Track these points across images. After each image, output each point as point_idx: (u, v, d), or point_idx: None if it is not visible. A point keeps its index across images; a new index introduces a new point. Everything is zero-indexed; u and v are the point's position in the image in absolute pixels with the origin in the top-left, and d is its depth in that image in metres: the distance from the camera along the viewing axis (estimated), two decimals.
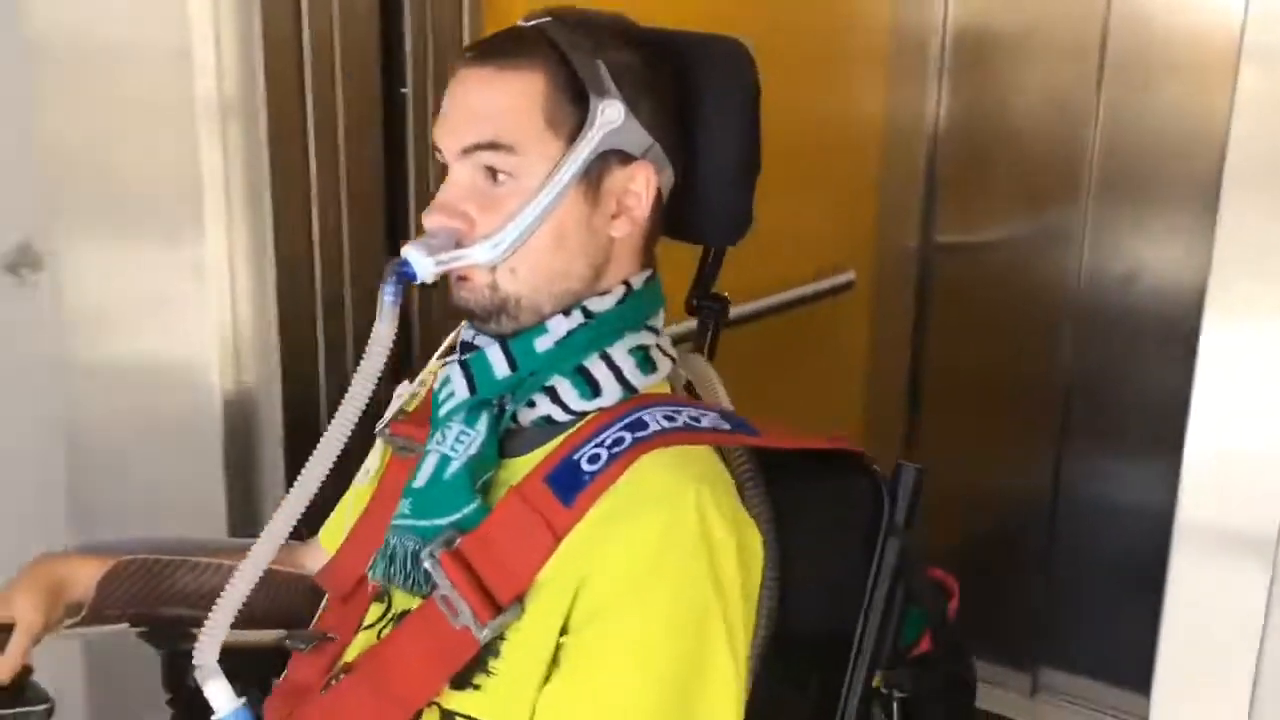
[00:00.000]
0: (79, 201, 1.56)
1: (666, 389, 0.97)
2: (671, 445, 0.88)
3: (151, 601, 1.04)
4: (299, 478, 0.89)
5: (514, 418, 0.93)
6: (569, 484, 0.86)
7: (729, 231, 1.06)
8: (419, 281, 0.92)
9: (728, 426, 0.92)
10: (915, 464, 0.97)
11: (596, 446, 0.88)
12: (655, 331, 0.97)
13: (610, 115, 0.91)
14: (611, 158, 0.92)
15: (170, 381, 1.54)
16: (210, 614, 0.89)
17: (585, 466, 0.87)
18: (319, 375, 1.53)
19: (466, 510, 0.89)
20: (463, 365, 0.94)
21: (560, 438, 0.91)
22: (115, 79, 1.52)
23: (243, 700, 0.90)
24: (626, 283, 0.95)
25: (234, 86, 1.45)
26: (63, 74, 1.54)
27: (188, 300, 1.49)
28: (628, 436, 0.88)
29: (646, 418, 0.89)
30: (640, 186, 0.93)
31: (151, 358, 1.57)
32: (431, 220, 0.92)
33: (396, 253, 0.92)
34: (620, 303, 0.94)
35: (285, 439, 1.48)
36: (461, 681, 0.86)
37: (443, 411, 0.94)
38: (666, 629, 0.84)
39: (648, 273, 0.97)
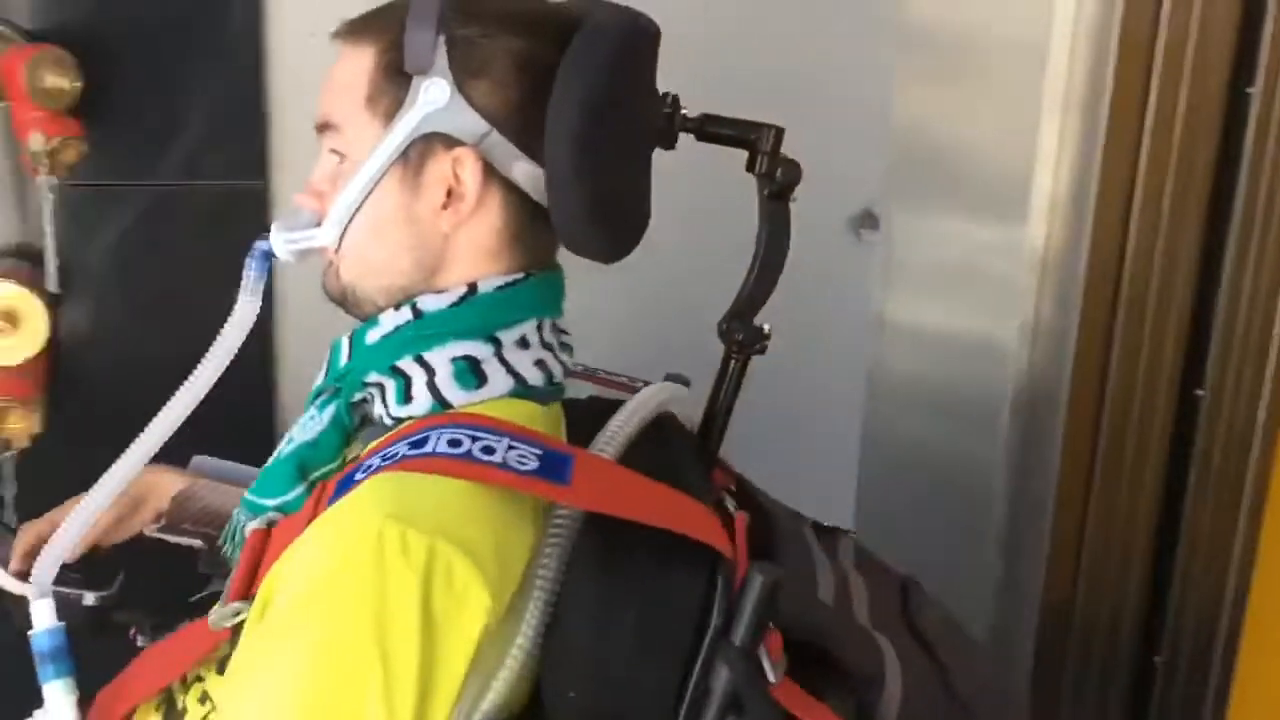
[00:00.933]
0: (919, 173, 1.73)
1: (518, 409, 0.84)
2: (412, 471, 0.76)
3: (218, 524, 1.01)
4: (148, 428, 0.90)
5: (369, 412, 0.87)
6: (342, 490, 0.78)
7: (575, 240, 0.87)
8: (276, 258, 0.89)
9: (528, 467, 0.76)
10: (772, 567, 0.76)
11: (377, 456, 0.79)
12: (498, 343, 0.85)
13: (433, 95, 0.82)
14: (436, 142, 0.83)
15: (968, 351, 1.66)
16: (57, 532, 0.92)
17: (357, 476, 0.78)
18: (1109, 374, 1.55)
19: (288, 496, 0.86)
20: (334, 348, 0.89)
21: (382, 439, 0.83)
22: (973, 66, 1.64)
23: (61, 624, 0.90)
24: (471, 284, 0.85)
25: (1081, 81, 1.50)
26: (926, 59, 1.70)
27: (1000, 277, 1.59)
28: (399, 452, 0.78)
29: (433, 436, 0.77)
30: (468, 175, 0.83)
31: (956, 326, 1.71)
32: (295, 198, 0.90)
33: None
34: (455, 304, 0.85)
35: (1065, 429, 1.53)
36: (222, 666, 0.84)
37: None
38: (300, 679, 0.72)
39: (510, 278, 0.86)
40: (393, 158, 0.83)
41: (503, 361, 0.85)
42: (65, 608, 0.93)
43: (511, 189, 0.84)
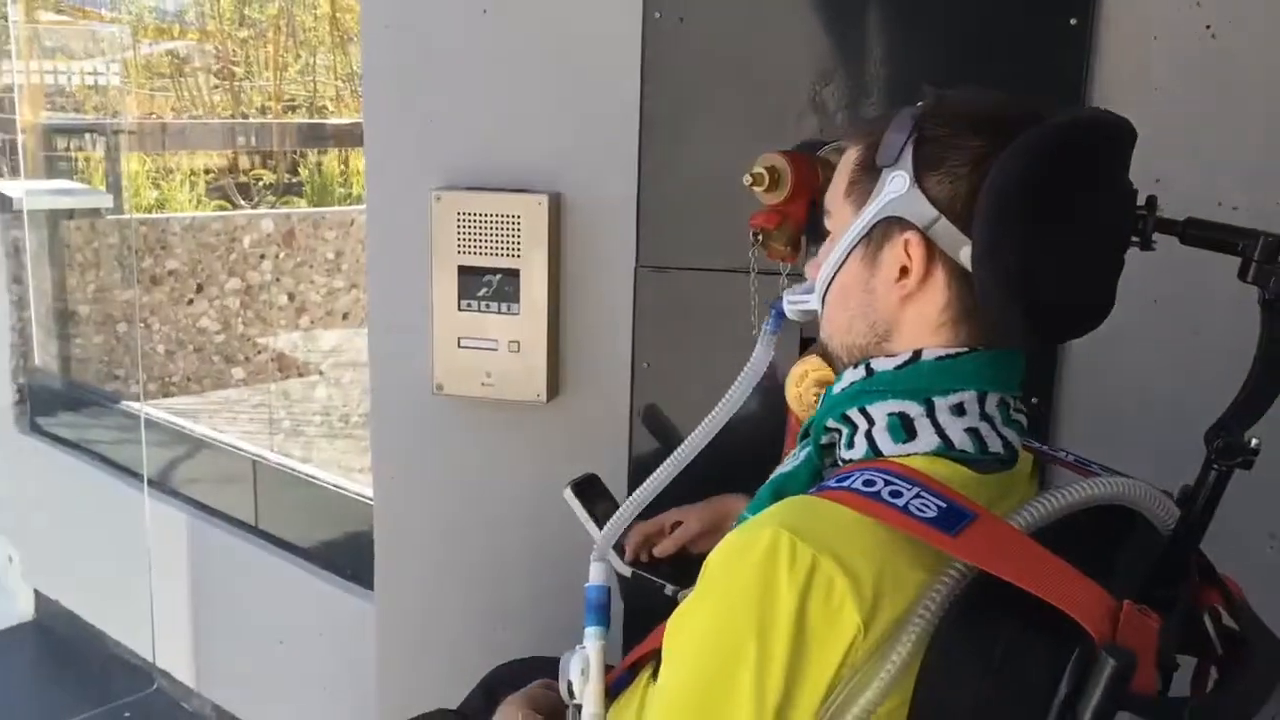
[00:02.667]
0: None
1: (941, 467, 0.92)
2: (824, 499, 0.88)
3: None
4: (674, 453, 1.12)
5: (835, 454, 1.00)
6: None
7: (989, 316, 0.94)
8: (786, 315, 1.11)
9: (924, 515, 0.84)
10: (1125, 652, 0.77)
11: (812, 487, 0.93)
12: (931, 405, 0.94)
13: (895, 185, 0.94)
14: (894, 225, 0.94)
15: None
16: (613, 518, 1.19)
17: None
18: None
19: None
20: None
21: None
22: None
23: (607, 585, 1.15)
24: (917, 351, 0.96)
25: None
26: None
27: None
28: (825, 484, 0.92)
29: (855, 475, 0.89)
30: (916, 255, 0.93)
31: None
32: (806, 268, 1.08)
33: None
34: (900, 367, 0.96)
35: None
36: None
37: None
38: (699, 645, 0.89)
39: (952, 350, 0.95)
40: (859, 237, 0.97)
41: (933, 422, 0.94)
42: (653, 593, 1.28)
43: (956, 271, 0.93)
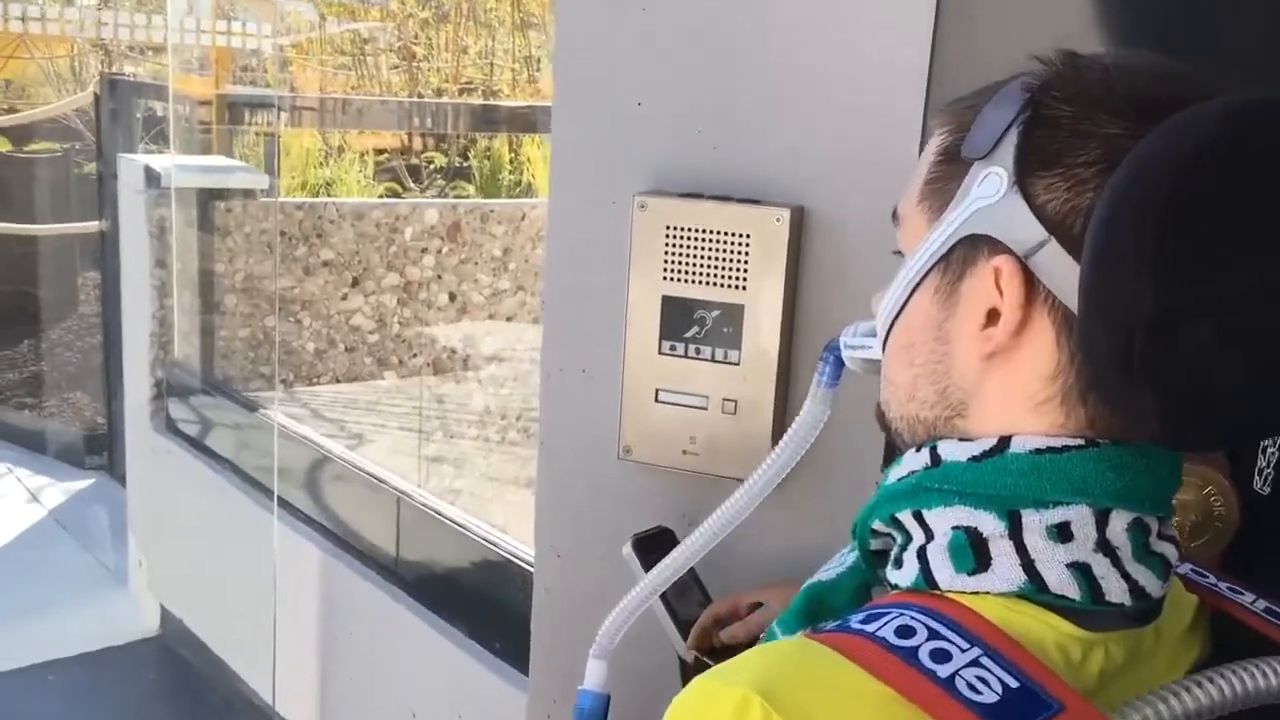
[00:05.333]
0: None
1: (1027, 620, 0.64)
2: (835, 649, 0.62)
3: None
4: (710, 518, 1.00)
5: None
6: None
7: (1102, 394, 0.66)
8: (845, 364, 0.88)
9: (979, 699, 0.59)
10: None
11: (834, 620, 0.69)
12: (1016, 522, 0.66)
13: (986, 187, 0.67)
14: (982, 247, 0.68)
15: None
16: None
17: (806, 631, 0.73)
18: None
19: (790, 639, 0.76)
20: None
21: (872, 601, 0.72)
22: None
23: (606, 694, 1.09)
24: (1004, 438, 0.68)
25: None
26: None
27: None
28: (848, 622, 0.65)
29: (889, 615, 0.64)
30: (1009, 292, 0.66)
31: None
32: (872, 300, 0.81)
33: None
34: (977, 459, 0.68)
35: None
36: None
37: None
38: None
39: (1059, 441, 0.67)
40: (933, 260, 0.71)
41: (1017, 547, 0.67)
42: None
43: (1071, 321, 0.66)
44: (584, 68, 1.50)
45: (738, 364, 1.40)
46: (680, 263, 1.41)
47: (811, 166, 1.37)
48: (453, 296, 4.09)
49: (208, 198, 3.59)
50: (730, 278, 1.39)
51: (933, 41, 1.28)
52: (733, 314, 1.40)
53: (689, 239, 1.40)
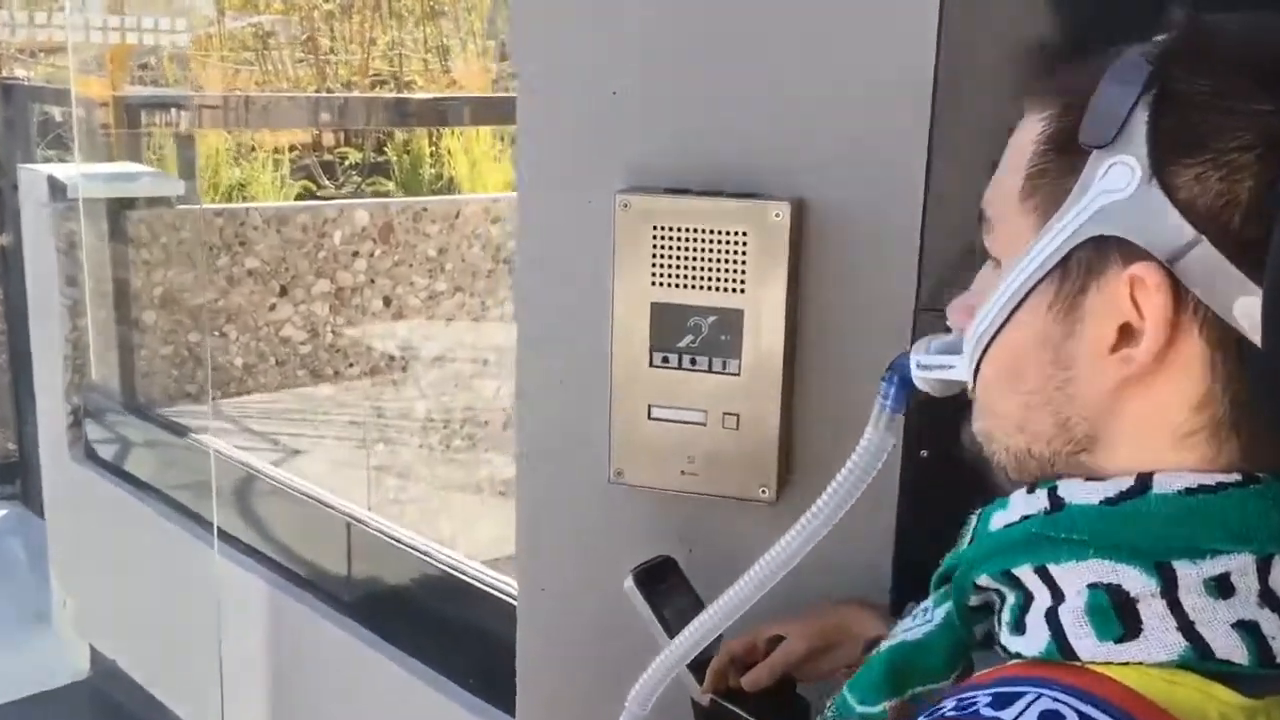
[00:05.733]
0: None
1: (1190, 693, 0.55)
2: None
3: None
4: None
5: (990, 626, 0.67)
6: None
7: None
8: (914, 386, 0.78)
9: None
10: None
11: (951, 700, 0.57)
12: (1170, 578, 0.57)
13: (1114, 179, 0.57)
14: (1110, 251, 0.58)
15: None
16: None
17: (919, 717, 0.58)
18: None
19: (872, 709, 0.74)
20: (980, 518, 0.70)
21: (984, 673, 0.62)
22: None
23: None
24: (1144, 476, 0.59)
25: None
26: None
27: None
28: (975, 705, 0.55)
29: (1024, 699, 0.54)
30: (1151, 306, 0.57)
31: None
32: (948, 309, 0.74)
33: None
34: (1113, 501, 0.59)
35: None
36: None
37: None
38: None
39: (1212, 479, 0.58)
40: (1045, 268, 0.61)
41: (1173, 609, 0.57)
42: None
43: (1227, 337, 0.57)
44: (548, 52, 1.37)
45: (738, 374, 1.28)
46: (670, 265, 1.28)
47: (812, 152, 1.25)
48: (388, 301, 3.93)
49: (118, 208, 3.39)
50: (726, 280, 1.27)
51: (940, 6, 1.17)
52: (730, 320, 1.27)
53: (678, 239, 1.28)
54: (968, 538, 0.69)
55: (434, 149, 7.79)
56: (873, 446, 0.83)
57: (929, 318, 1.24)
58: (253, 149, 6.29)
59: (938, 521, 1.32)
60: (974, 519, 0.69)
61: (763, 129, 1.27)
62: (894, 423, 0.82)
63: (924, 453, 1.30)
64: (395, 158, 7.93)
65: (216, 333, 3.65)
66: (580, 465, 1.39)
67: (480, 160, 6.91)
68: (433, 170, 7.59)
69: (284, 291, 3.79)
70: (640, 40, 1.30)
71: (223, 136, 5.79)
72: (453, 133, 7.21)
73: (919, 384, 0.77)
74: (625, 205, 1.28)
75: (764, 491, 1.30)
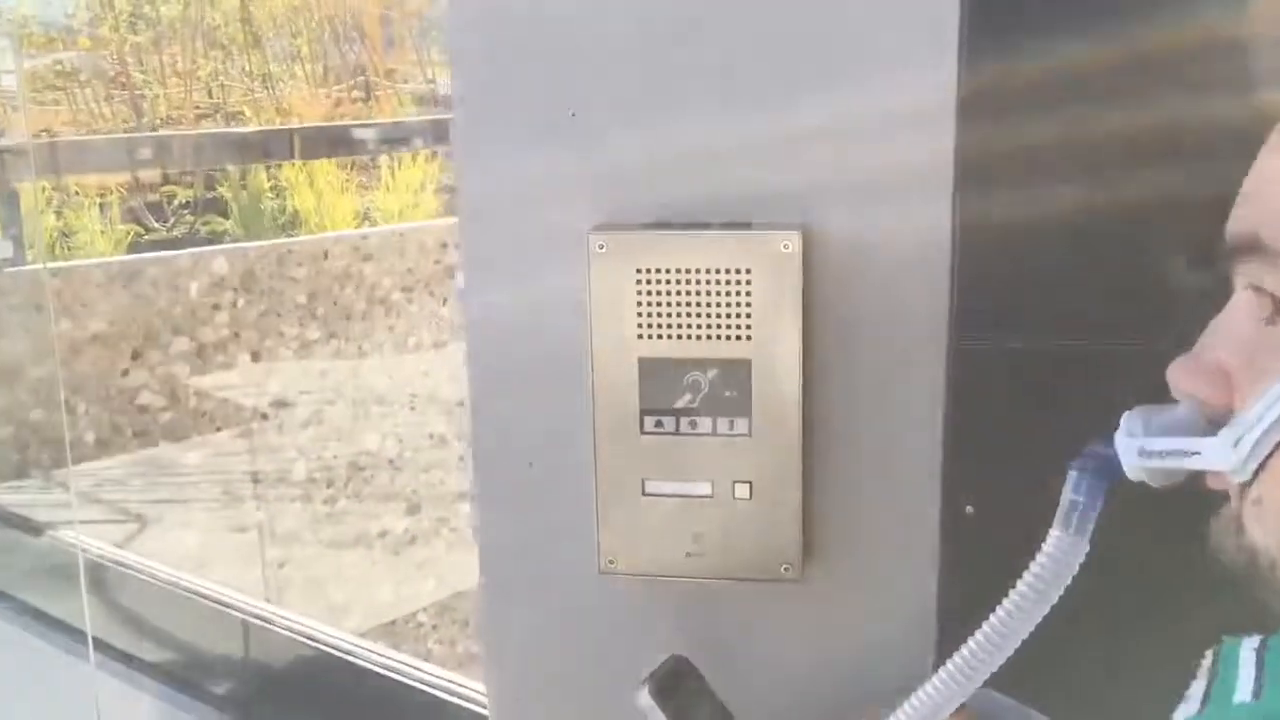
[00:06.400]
0: None
1: None
2: None
3: None
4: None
5: None
6: None
7: None
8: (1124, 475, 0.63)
9: None
10: None
11: None
12: None
13: None
14: None
15: None
16: None
17: None
18: None
19: None
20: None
21: None
22: None
23: None
24: None
25: None
26: None
27: None
28: None
29: None
30: None
31: None
32: (1173, 373, 0.59)
33: None
34: None
35: None
36: None
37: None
38: None
39: None
40: None
41: None
42: None
43: None
44: (488, 71, 1.16)
45: (748, 434, 1.10)
46: (659, 314, 1.09)
47: (819, 169, 1.08)
48: (256, 355, 3.61)
49: None
50: (728, 326, 1.08)
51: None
52: (736, 372, 1.09)
53: (668, 283, 1.08)
54: (1242, 684, 0.52)
55: (273, 182, 7.42)
56: (1061, 554, 0.67)
57: (970, 355, 1.09)
58: (76, 192, 5.86)
59: (987, 595, 1.17)
60: (1243, 654, 0.52)
61: (757, 146, 1.09)
62: (1086, 522, 0.66)
63: (969, 508, 1.15)
64: (230, 194, 7.54)
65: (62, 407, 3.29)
66: (563, 558, 1.18)
67: (326, 192, 6.60)
68: (274, 204, 7.22)
69: (136, 355, 3.45)
70: (596, 49, 1.11)
71: (36, 185, 5.38)
72: (293, 163, 6.86)
73: (1133, 474, 0.63)
74: (601, 247, 1.09)
75: (787, 570, 1.12)
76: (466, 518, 3.84)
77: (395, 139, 6.59)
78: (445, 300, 3.90)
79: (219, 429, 3.57)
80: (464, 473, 3.82)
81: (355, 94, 10.13)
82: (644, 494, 1.13)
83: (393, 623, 3.56)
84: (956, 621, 1.11)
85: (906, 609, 1.12)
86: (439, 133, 6.31)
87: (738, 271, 1.07)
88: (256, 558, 3.43)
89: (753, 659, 1.17)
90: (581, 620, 1.20)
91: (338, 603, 3.47)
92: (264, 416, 3.61)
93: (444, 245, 3.90)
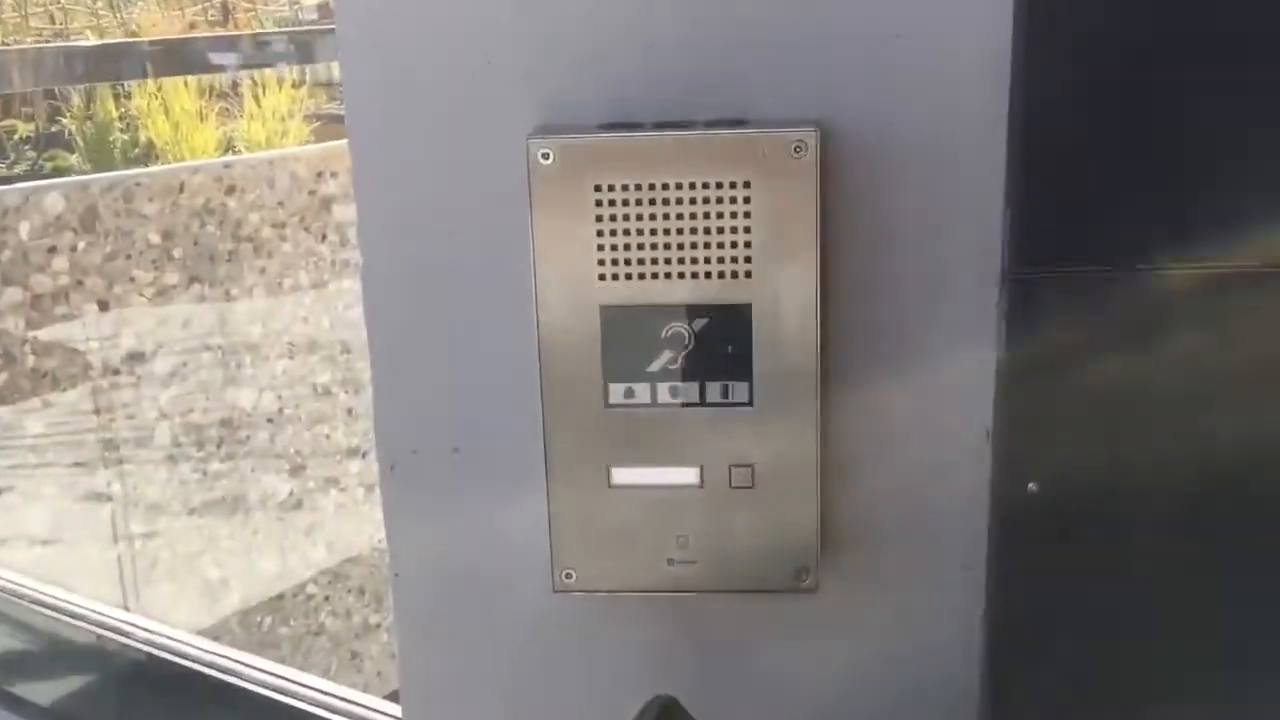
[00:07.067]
0: None
1: None
2: None
3: None
4: None
5: None
6: None
7: None
8: None
9: None
10: None
11: None
12: None
13: None
14: None
15: None
16: None
17: None
18: None
19: None
20: None
21: None
22: None
23: None
24: None
25: None
26: None
27: None
28: None
29: None
30: None
31: None
32: None
33: None
34: None
35: None
36: None
37: None
38: None
39: None
40: None
41: None
42: None
43: None
44: None
45: (748, 404, 0.84)
46: (626, 247, 0.82)
47: (840, 47, 0.81)
48: (104, 305, 3.23)
49: None
50: (720, 260, 0.82)
51: None
52: (732, 321, 0.83)
53: (638, 204, 0.81)
54: None
55: (123, 112, 6.90)
56: None
57: (1023, 287, 0.84)
58: None
59: (1050, 591, 0.94)
60: None
61: (760, 14, 0.81)
62: None
63: (1032, 485, 0.92)
64: (75, 125, 6.99)
65: None
66: (504, 575, 0.91)
67: (183, 121, 6.11)
68: (125, 137, 6.70)
69: None
70: None
71: None
72: (143, 88, 6.36)
73: None
74: (545, 157, 0.81)
75: (804, 578, 0.87)
76: (357, 476, 3.58)
77: (259, 62, 6.13)
78: (324, 236, 3.57)
79: (64, 390, 3.19)
80: (352, 426, 3.56)
81: (211, 15, 9.54)
82: (610, 485, 0.86)
83: (280, 596, 3.28)
84: (1007, 631, 0.89)
85: (951, 625, 0.89)
86: (306, 54, 5.89)
87: (732, 186, 0.80)
88: (113, 533, 3.10)
89: (758, 694, 0.92)
90: (531, 656, 0.93)
91: (214, 579, 3.17)
92: (116, 373, 3.25)
93: (319, 175, 3.57)
